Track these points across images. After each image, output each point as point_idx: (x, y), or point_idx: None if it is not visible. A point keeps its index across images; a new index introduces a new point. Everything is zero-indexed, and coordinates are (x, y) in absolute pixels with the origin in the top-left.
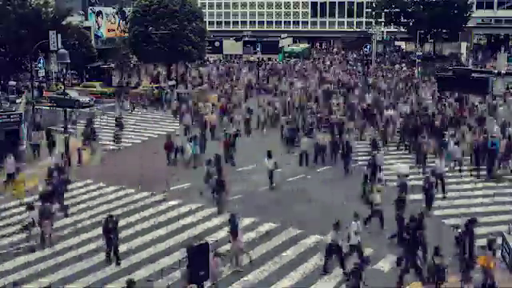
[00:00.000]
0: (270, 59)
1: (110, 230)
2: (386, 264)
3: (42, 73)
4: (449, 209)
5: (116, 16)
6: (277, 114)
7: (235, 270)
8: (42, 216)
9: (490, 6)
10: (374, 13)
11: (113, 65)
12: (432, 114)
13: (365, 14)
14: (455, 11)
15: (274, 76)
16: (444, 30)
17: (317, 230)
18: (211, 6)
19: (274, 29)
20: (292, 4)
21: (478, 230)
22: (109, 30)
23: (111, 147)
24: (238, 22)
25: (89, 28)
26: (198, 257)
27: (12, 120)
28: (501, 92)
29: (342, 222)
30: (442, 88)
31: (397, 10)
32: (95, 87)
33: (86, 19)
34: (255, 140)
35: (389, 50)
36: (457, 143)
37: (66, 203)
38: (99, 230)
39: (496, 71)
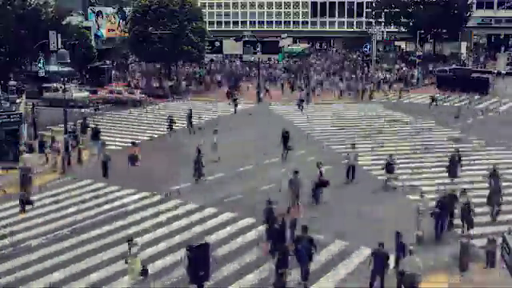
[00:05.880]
0: (269, 59)
1: None
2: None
3: (42, 73)
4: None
5: (116, 16)
6: None
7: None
8: None
9: (490, 6)
10: (373, 13)
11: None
12: None
13: (365, 14)
14: (455, 11)
15: None
16: (444, 30)
17: (317, 230)
18: (211, 6)
19: (273, 29)
20: (292, 4)
21: (478, 230)
22: (109, 30)
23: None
24: (238, 21)
25: (89, 28)
26: (198, 257)
27: (12, 120)
28: None
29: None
30: (442, 88)
31: (397, 10)
32: None
33: (86, 19)
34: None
35: (388, 49)
36: None
37: (65, 202)
38: (99, 231)
39: (496, 71)
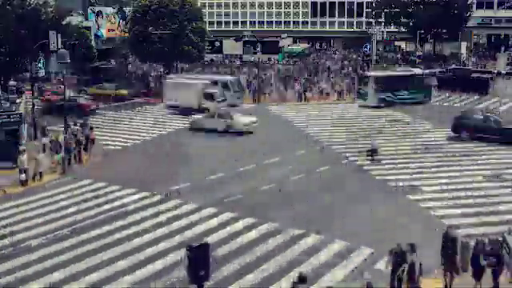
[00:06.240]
0: (269, 59)
1: None
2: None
3: (42, 73)
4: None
5: (116, 16)
6: None
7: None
8: None
9: (490, 6)
10: (373, 13)
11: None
12: None
13: (365, 14)
14: (455, 11)
15: None
16: (444, 30)
17: (317, 229)
18: (211, 6)
19: (273, 29)
20: (292, 4)
21: (478, 230)
22: (109, 30)
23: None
24: (238, 21)
25: (89, 28)
26: (198, 257)
27: (12, 120)
28: None
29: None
30: (443, 88)
31: (397, 10)
32: None
33: (86, 19)
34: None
35: (388, 49)
36: None
37: (65, 202)
38: (99, 231)
39: (496, 71)
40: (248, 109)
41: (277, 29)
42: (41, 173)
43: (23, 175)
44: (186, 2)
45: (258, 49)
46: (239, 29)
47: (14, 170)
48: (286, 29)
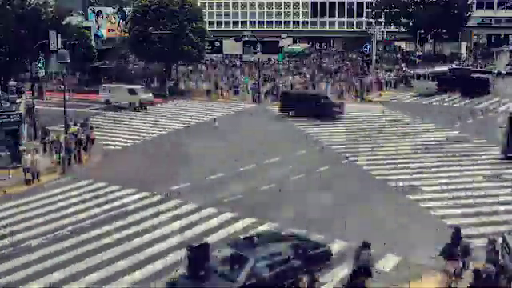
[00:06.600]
0: (269, 59)
1: None
2: (386, 263)
3: (41, 73)
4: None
5: (116, 16)
6: None
7: None
8: None
9: (490, 6)
10: (373, 13)
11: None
12: None
13: (365, 14)
14: (455, 11)
15: None
16: (444, 30)
17: (317, 229)
18: (211, 6)
19: (273, 29)
20: (292, 4)
21: (479, 230)
22: (109, 30)
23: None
24: (238, 21)
25: (89, 28)
26: (198, 257)
27: (12, 120)
28: None
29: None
30: (442, 88)
31: (397, 10)
32: None
33: (86, 19)
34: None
35: (388, 49)
36: None
37: (65, 202)
38: (99, 231)
39: (496, 71)
40: (249, 109)
41: (277, 29)
42: (37, 174)
43: (28, 174)
44: (186, 1)
45: (258, 49)
46: (239, 29)
47: (13, 170)
48: (286, 29)
